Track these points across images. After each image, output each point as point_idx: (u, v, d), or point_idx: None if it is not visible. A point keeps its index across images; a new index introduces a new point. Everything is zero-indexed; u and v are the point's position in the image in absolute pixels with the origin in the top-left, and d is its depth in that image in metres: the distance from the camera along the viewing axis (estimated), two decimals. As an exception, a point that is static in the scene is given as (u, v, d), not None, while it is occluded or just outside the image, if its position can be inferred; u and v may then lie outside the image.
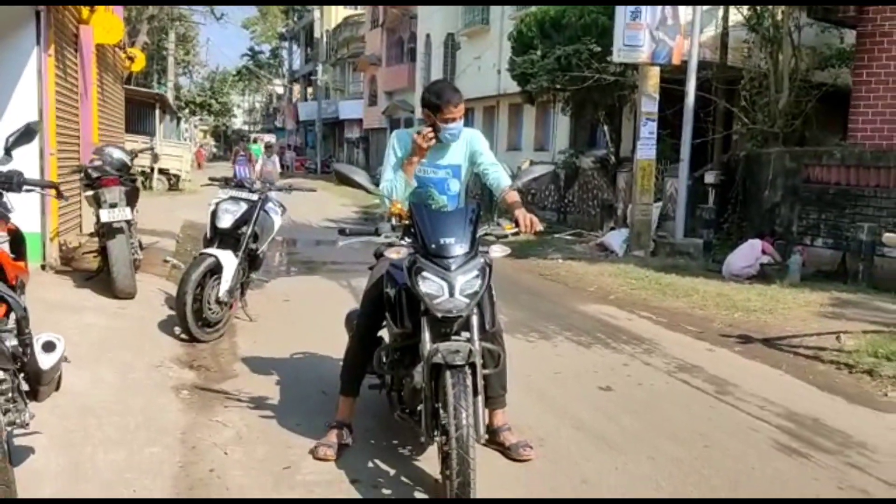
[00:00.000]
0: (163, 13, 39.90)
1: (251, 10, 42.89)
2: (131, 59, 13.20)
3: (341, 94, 45.11)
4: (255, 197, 5.68)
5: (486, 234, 3.24)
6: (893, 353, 5.30)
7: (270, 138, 53.80)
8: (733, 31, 14.17)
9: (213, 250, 5.47)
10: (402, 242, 3.12)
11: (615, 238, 11.04)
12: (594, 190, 16.67)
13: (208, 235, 5.69)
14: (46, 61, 7.18)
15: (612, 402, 4.52)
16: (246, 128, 78.49)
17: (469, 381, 2.86)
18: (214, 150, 66.42)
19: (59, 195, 3.77)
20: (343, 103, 42.77)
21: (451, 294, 2.94)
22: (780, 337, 6.14)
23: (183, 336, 5.36)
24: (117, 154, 6.35)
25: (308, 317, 6.54)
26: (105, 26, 9.78)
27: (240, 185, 5.77)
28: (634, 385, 4.87)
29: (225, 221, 5.56)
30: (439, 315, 2.96)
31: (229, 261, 5.44)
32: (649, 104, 10.44)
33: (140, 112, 22.14)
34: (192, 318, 5.25)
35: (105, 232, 6.18)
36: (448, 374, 2.85)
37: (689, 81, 10.62)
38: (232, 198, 5.66)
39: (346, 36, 42.88)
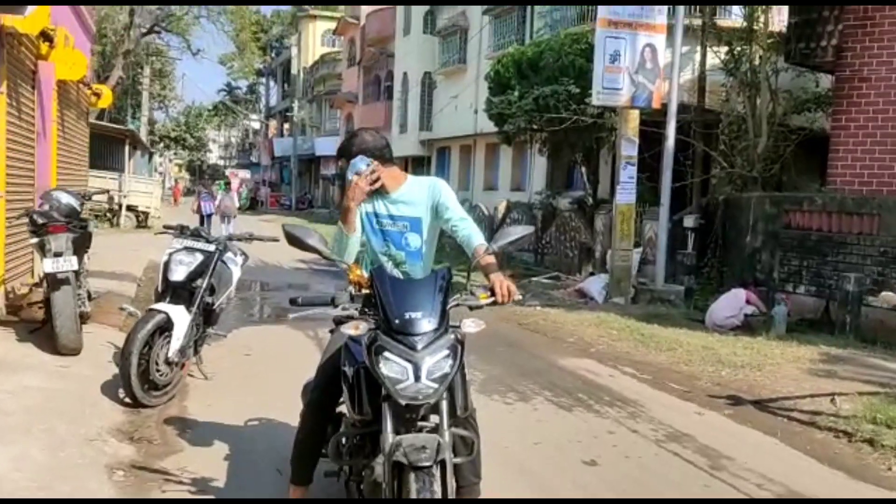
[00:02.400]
0: (139, 48, 39.69)
1: (228, 47, 42.66)
2: (97, 95, 12.75)
3: (317, 130, 44.91)
4: (211, 247, 5.26)
5: (457, 305, 2.86)
6: (893, 420, 4.97)
7: (245, 174, 53.74)
8: (710, 74, 14.13)
9: (163, 305, 5.03)
10: (362, 316, 2.74)
11: (594, 284, 10.72)
12: (571, 231, 16.42)
13: (159, 289, 5.25)
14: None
15: (598, 479, 4.12)
16: (221, 162, 78.07)
17: (437, 485, 2.45)
18: (189, 184, 65.80)
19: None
20: (319, 140, 42.53)
21: (417, 378, 2.54)
22: (772, 399, 5.80)
23: (127, 400, 4.89)
24: (65, 199, 5.92)
25: (270, 374, 6.09)
26: (67, 62, 9.35)
27: (195, 235, 5.35)
28: (621, 458, 4.47)
29: (178, 274, 5.13)
30: (403, 402, 2.56)
31: (181, 317, 5.01)
32: (629, 148, 10.22)
33: (110, 148, 21.67)
34: (138, 381, 4.79)
35: (49, 283, 5.71)
36: (412, 476, 2.45)
37: (669, 125, 10.44)
38: (186, 248, 5.24)
39: (323, 73, 42.83)
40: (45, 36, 8.00)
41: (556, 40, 14.75)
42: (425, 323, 2.62)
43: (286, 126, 53.06)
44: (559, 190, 18.91)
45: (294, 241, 2.89)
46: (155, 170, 54.78)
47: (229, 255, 5.59)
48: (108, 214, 21.42)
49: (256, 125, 67.09)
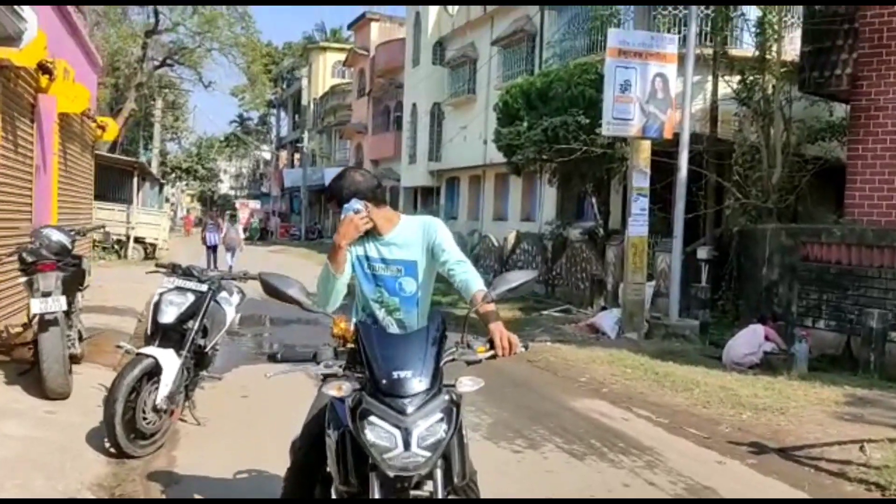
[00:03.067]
0: (151, 81, 40.03)
1: (240, 78, 42.87)
2: (102, 127, 12.68)
3: (327, 161, 44.99)
4: (203, 287, 5.02)
5: (452, 360, 2.60)
6: (929, 472, 4.63)
7: (255, 204, 53.84)
8: (722, 103, 13.91)
9: (151, 349, 4.78)
10: (347, 374, 2.48)
11: (607, 319, 10.40)
12: (582, 263, 16.13)
13: (149, 331, 5.00)
14: (-9, 134, 6.63)
15: (611, 540, 3.81)
16: (232, 193, 78.36)
17: None
18: (201, 215, 66.04)
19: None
20: (329, 170, 42.49)
21: (407, 445, 2.27)
22: (798, 446, 5.46)
23: (113, 450, 4.62)
24: (56, 236, 5.70)
25: (267, 418, 5.80)
26: (69, 95, 9.25)
27: (187, 274, 5.11)
28: (637, 515, 4.16)
29: (168, 315, 4.89)
30: (391, 474, 2.29)
31: (170, 362, 4.75)
32: (640, 179, 9.96)
33: (119, 180, 21.64)
34: (123, 430, 4.52)
35: (37, 324, 5.48)
36: None
37: (682, 155, 10.19)
38: (178, 288, 5.01)
39: (332, 104, 43.00)
40: (44, 69, 7.90)
41: (566, 70, 14.61)
42: (416, 383, 2.35)
43: (296, 157, 53.24)
44: (569, 220, 18.67)
45: (271, 291, 2.64)
46: (166, 200, 55.06)
47: (223, 294, 5.35)
48: (116, 247, 21.32)
49: (267, 156, 67.44)
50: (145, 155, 43.92)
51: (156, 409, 4.72)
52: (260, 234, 44.97)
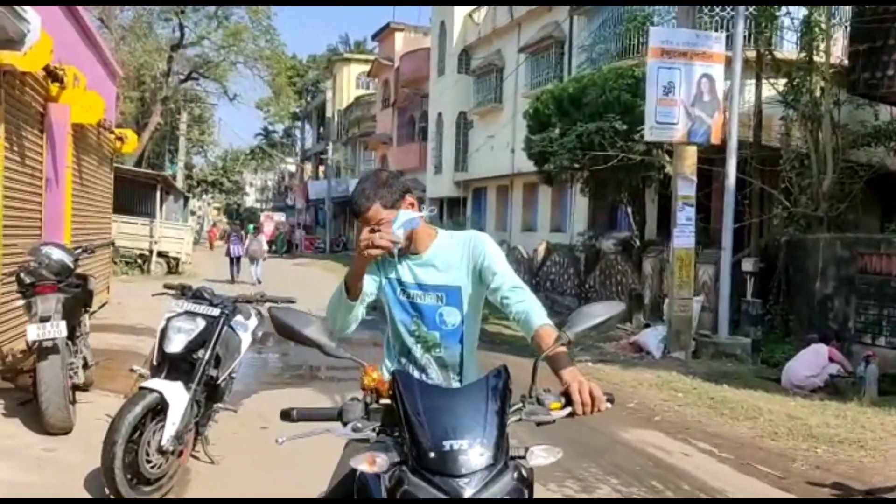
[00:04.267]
0: (177, 94, 40.09)
1: (264, 92, 42.79)
2: (121, 139, 12.27)
3: (352, 172, 44.67)
4: (215, 311, 4.47)
5: (519, 420, 2.01)
6: None
7: (280, 217, 53.68)
8: (766, 107, 13.21)
9: (156, 382, 4.24)
10: (381, 439, 1.90)
11: (651, 337, 9.73)
12: (617, 275, 15.47)
13: (154, 361, 4.46)
14: (-8, 143, 6.17)
15: None
16: (258, 206, 78.50)
17: None
18: (227, 227, 66.09)
19: None
20: (354, 182, 42.17)
21: (465, 543, 1.68)
22: (888, 487, 4.79)
23: (112, 497, 4.07)
24: (57, 254, 5.20)
25: (290, 455, 5.23)
26: (83, 105, 8.82)
27: (198, 297, 4.56)
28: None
29: (175, 344, 4.35)
30: None
31: (177, 397, 4.20)
32: (686, 187, 9.31)
33: (142, 193, 21.34)
34: (124, 476, 3.97)
35: (36, 351, 4.99)
36: None
37: (730, 161, 9.54)
38: (187, 312, 4.46)
39: (357, 115, 42.69)
40: (53, 76, 7.46)
41: (600, 75, 14.00)
42: (475, 456, 1.75)
43: (321, 169, 53.05)
44: (602, 231, 18.01)
45: (284, 331, 2.06)
46: (192, 213, 55.07)
47: (239, 318, 4.80)
48: (139, 261, 21.01)
49: (292, 168, 67.40)
50: (171, 168, 43.97)
51: (161, 451, 4.17)
52: (286, 247, 44.73)
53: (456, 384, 2.46)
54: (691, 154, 9.39)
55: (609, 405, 2.07)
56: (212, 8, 36.55)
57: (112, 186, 12.90)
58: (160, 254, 21.23)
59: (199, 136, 54.14)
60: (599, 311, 2.09)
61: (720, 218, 13.27)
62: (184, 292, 4.64)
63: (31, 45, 5.91)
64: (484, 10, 25.64)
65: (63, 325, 4.91)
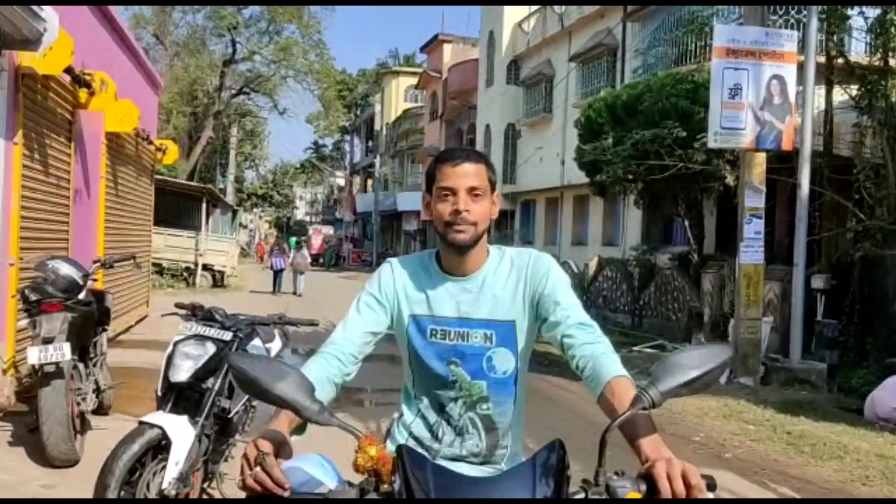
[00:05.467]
0: (229, 109, 40.56)
1: (314, 106, 43.00)
2: (161, 150, 12.04)
3: (399, 185, 44.45)
4: (227, 335, 3.95)
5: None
6: None
7: (328, 230, 53.81)
8: (837, 112, 12.32)
9: (157, 417, 3.73)
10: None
11: (715, 361, 8.93)
12: (674, 291, 14.67)
13: (159, 391, 3.97)
14: (11, 151, 5.82)
15: None
16: (307, 219, 79.14)
17: None
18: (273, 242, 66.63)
19: None
20: (401, 195, 41.96)
21: None
22: None
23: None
24: (65, 269, 4.77)
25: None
26: (116, 113, 8.53)
27: (208, 318, 4.05)
28: None
29: (181, 372, 3.84)
30: None
31: (182, 433, 3.68)
32: (755, 198, 8.55)
33: (188, 206, 21.27)
34: (117, 525, 3.47)
35: (38, 376, 4.56)
36: None
37: (803, 170, 8.75)
38: (197, 336, 3.96)
39: (405, 128, 42.49)
40: (80, 80, 7.13)
41: (656, 81, 13.28)
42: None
43: (369, 182, 53.02)
44: (656, 245, 17.21)
45: (249, 387, 1.50)
46: (244, 227, 55.60)
47: (255, 342, 4.27)
48: (185, 274, 20.93)
49: (341, 182, 67.69)
50: (222, 182, 44.40)
51: (163, 495, 3.66)
52: (335, 261, 44.70)
53: (503, 451, 1.88)
54: (760, 162, 8.63)
55: (710, 495, 1.45)
56: (264, 23, 36.91)
57: (152, 199, 12.66)
58: (205, 267, 21.12)
59: (250, 149, 54.82)
60: (696, 361, 1.48)
61: (786, 231, 12.44)
62: (194, 313, 4.13)
63: (48, 46, 5.54)
64: (533, 19, 25.10)
65: (67, 347, 4.46)
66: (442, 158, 1.84)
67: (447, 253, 1.85)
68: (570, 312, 1.77)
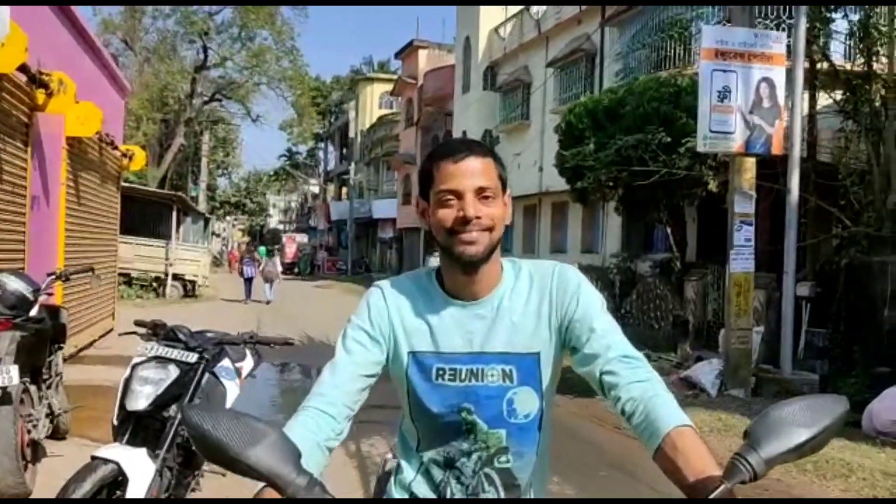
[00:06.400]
0: (201, 116, 39.96)
1: (288, 113, 42.53)
2: (128, 156, 11.55)
3: (375, 193, 44.05)
4: (192, 357, 3.55)
5: None
6: None
7: (302, 238, 53.17)
8: (822, 117, 12.18)
9: (113, 450, 3.33)
10: None
11: (706, 373, 8.67)
12: (656, 300, 14.44)
13: (115, 420, 3.57)
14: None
15: None
16: (281, 227, 78.32)
17: None
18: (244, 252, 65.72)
19: None
20: (377, 202, 41.57)
21: None
22: None
23: None
24: (12, 284, 4.34)
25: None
26: (78, 116, 8.09)
27: (171, 339, 3.65)
28: None
29: (139, 399, 3.45)
30: None
31: (140, 467, 3.29)
32: (744, 204, 8.30)
33: (158, 214, 20.69)
34: (66, 575, 3.07)
35: (-17, 401, 4.12)
36: None
37: (793, 175, 8.54)
38: (157, 358, 3.56)
39: (380, 135, 42.13)
40: (38, 81, 6.69)
41: (638, 85, 13.07)
42: None
43: (344, 189, 52.51)
44: (637, 252, 17.02)
45: (215, 454, 1.13)
46: (216, 235, 54.73)
47: (224, 363, 3.88)
48: (155, 284, 20.35)
49: (316, 189, 67.07)
50: (194, 190, 43.66)
51: (118, 538, 3.25)
52: (310, 269, 44.13)
53: None
54: (750, 167, 8.39)
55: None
56: (236, 29, 36.37)
57: (118, 206, 12.16)
58: (176, 276, 20.56)
59: (223, 157, 54.10)
60: (805, 417, 1.13)
61: (768, 238, 12.25)
62: (155, 332, 3.73)
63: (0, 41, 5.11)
64: (510, 24, 24.90)
65: (14, 370, 4.03)
66: (440, 154, 1.49)
67: (452, 271, 1.49)
68: (609, 342, 1.43)
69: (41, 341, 4.58)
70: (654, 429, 1.28)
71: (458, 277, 1.48)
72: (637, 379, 1.38)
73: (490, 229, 1.44)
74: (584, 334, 1.44)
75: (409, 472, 1.55)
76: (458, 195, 1.43)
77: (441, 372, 1.47)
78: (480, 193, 1.43)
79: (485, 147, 1.52)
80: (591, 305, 1.47)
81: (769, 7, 12.91)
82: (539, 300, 1.49)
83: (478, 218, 1.42)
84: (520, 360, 1.47)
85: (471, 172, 1.44)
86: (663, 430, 1.27)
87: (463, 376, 1.47)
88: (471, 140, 1.55)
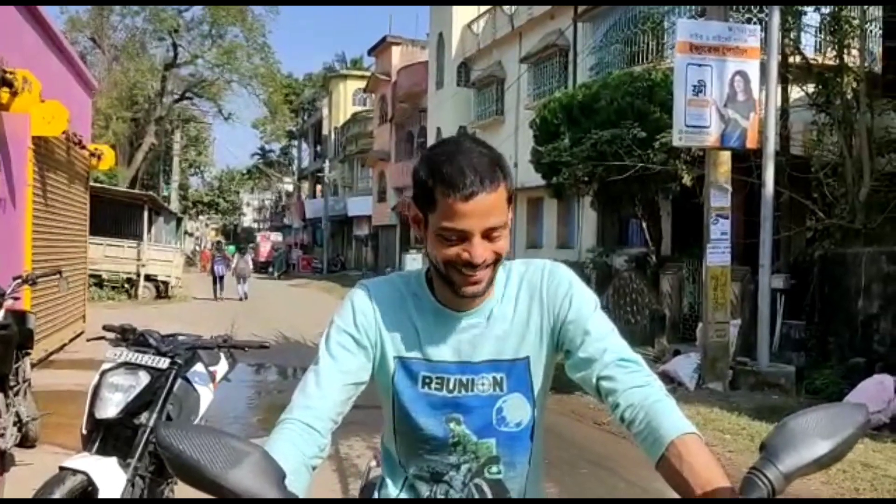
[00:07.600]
0: (171, 114, 39.41)
1: (260, 111, 42.04)
2: (96, 155, 11.31)
3: (350, 190, 43.81)
4: (163, 362, 3.44)
5: None
6: None
7: (276, 236, 52.73)
8: (794, 111, 12.27)
9: (81, 460, 3.22)
10: None
11: (684, 366, 8.69)
12: (633, 294, 14.49)
13: (84, 429, 3.45)
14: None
15: None
16: (255, 226, 77.71)
17: None
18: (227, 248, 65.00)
19: None
20: (352, 200, 41.34)
21: None
22: None
23: None
24: (-27, 289, 4.22)
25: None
26: (44, 115, 7.87)
27: (141, 344, 3.53)
28: None
29: (108, 407, 3.33)
30: None
31: (110, 478, 3.18)
32: (720, 197, 8.32)
33: (129, 215, 20.37)
34: (34, 592, 2.95)
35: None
36: None
37: (767, 168, 8.56)
38: (126, 364, 3.44)
39: (354, 132, 41.87)
40: (1, 79, 6.50)
41: (612, 79, 13.09)
42: None
43: (318, 187, 52.17)
44: (612, 247, 17.07)
45: (191, 477, 1.03)
46: (189, 235, 54.11)
47: (197, 368, 3.77)
48: (127, 285, 20.05)
49: (290, 188, 66.59)
50: (166, 189, 43.10)
51: (89, 551, 3.14)
52: (285, 268, 43.70)
53: None
54: (725, 160, 8.41)
55: None
56: (206, 26, 35.89)
57: (87, 207, 11.92)
58: (148, 277, 20.26)
59: (195, 156, 53.44)
60: (825, 427, 1.08)
61: (742, 231, 12.33)
62: (124, 336, 3.61)
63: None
64: (483, 20, 24.84)
65: (-25, 378, 3.90)
66: (445, 181, 1.28)
67: (444, 287, 1.39)
68: (605, 345, 1.35)
69: (7, 347, 4.44)
70: (657, 437, 1.22)
71: (451, 292, 1.39)
72: (636, 384, 1.31)
73: (494, 264, 1.34)
74: (577, 337, 1.37)
75: (392, 488, 1.47)
76: (464, 236, 1.30)
77: (428, 380, 1.40)
78: (489, 233, 1.31)
79: (494, 171, 1.32)
80: (585, 306, 1.40)
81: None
82: (529, 301, 1.42)
83: (483, 262, 1.31)
84: (510, 366, 1.40)
85: (480, 212, 1.28)
86: (666, 438, 1.20)
87: (451, 386, 1.39)
88: (478, 162, 1.31)
